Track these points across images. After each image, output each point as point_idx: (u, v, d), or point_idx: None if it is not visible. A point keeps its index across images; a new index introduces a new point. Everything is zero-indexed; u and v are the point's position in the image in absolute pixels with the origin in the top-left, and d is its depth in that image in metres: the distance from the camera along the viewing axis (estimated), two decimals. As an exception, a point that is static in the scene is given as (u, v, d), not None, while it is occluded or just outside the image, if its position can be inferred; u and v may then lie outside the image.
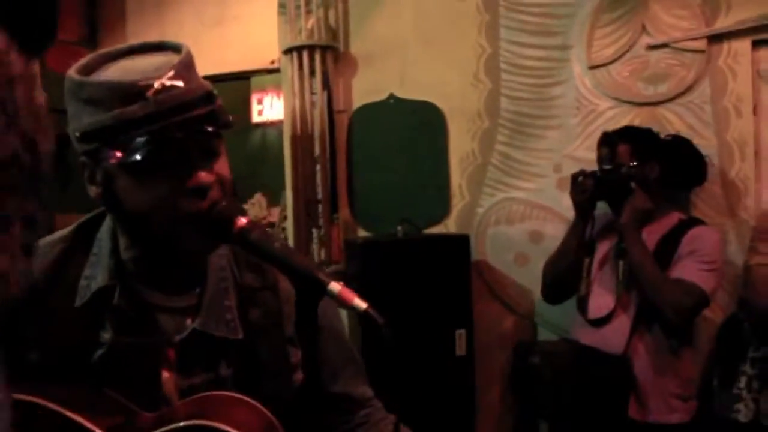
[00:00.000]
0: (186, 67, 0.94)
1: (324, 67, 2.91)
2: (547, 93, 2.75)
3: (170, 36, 1.09)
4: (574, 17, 2.69)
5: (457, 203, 2.90)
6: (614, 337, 2.19)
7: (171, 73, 0.91)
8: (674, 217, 2.28)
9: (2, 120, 0.52)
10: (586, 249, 2.34)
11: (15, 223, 0.56)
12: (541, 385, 2.09)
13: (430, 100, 2.90)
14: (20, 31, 0.51)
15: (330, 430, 1.17)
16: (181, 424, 0.94)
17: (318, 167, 2.92)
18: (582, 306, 2.32)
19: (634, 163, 2.20)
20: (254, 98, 4.61)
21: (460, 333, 2.62)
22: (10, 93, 0.53)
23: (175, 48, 0.98)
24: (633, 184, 2.18)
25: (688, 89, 2.55)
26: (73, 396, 0.97)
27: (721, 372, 2.35)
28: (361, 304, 0.85)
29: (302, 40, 2.92)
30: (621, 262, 2.23)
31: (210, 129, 0.95)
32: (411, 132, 2.93)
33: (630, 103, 2.62)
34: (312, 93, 2.91)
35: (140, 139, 0.89)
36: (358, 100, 2.99)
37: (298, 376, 1.10)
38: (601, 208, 2.35)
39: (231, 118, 0.98)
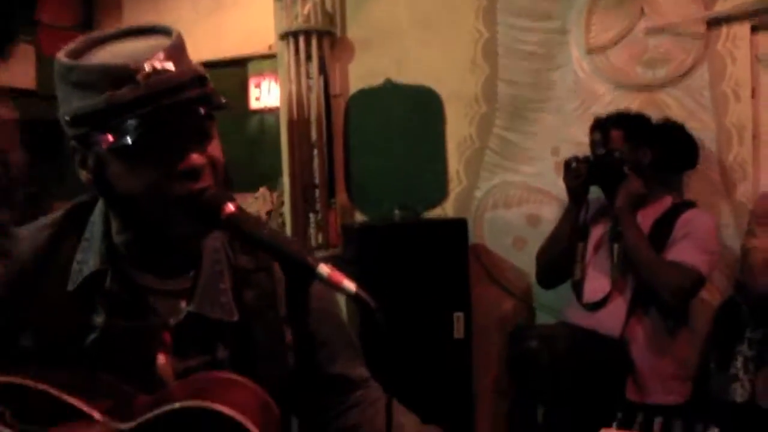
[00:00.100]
0: (177, 50, 0.93)
1: (320, 52, 2.90)
2: (545, 77, 2.73)
3: (167, 21, 1.08)
4: (572, 1, 2.67)
5: (455, 187, 2.90)
6: (610, 320, 2.20)
7: (161, 56, 0.90)
8: (667, 201, 2.29)
9: None
10: (580, 234, 2.35)
11: None
12: (539, 369, 2.10)
13: (427, 84, 2.89)
14: None
15: (326, 410, 1.18)
16: (177, 405, 0.94)
17: (315, 152, 2.92)
18: (577, 290, 2.34)
19: (626, 148, 2.20)
20: (252, 84, 4.59)
21: (458, 316, 2.63)
22: None
23: (166, 31, 0.97)
24: (626, 169, 2.19)
25: (687, 73, 2.54)
26: (69, 380, 0.97)
27: (717, 353, 2.36)
28: (351, 286, 0.85)
29: (299, 24, 2.90)
30: (615, 246, 2.25)
31: (202, 111, 0.94)
32: (408, 117, 2.92)
33: (628, 87, 2.61)
34: (308, 78, 2.91)
35: (131, 123, 0.88)
36: (355, 85, 2.98)
37: (293, 357, 1.10)
38: (594, 192, 2.35)
39: (224, 100, 0.97)
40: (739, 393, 2.21)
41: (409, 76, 2.91)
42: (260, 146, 4.36)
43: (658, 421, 0.84)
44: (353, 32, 2.96)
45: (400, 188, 2.91)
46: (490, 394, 2.82)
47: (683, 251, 2.13)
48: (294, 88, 2.91)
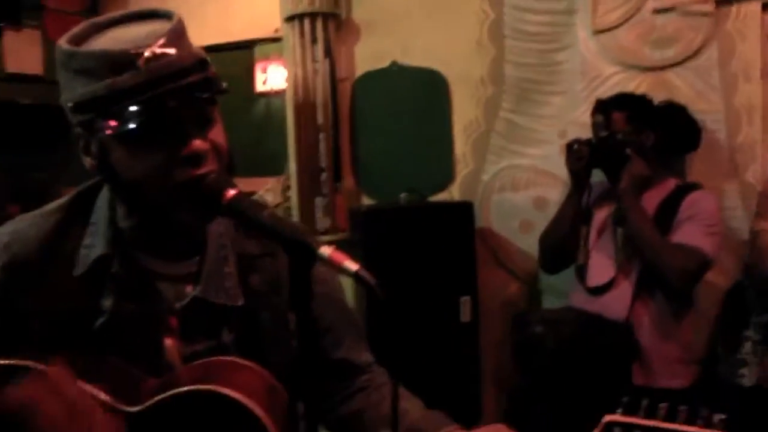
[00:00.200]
0: (177, 35, 0.93)
1: (326, 35, 2.88)
2: (552, 58, 2.71)
3: (173, 5, 1.08)
4: (578, -20, 2.65)
5: (461, 170, 2.89)
6: (616, 304, 2.19)
7: (162, 41, 0.90)
8: (671, 183, 2.28)
9: None
10: (583, 217, 2.33)
11: None
12: (544, 354, 2.09)
13: (433, 67, 2.87)
14: None
15: (331, 395, 1.19)
16: (184, 388, 0.95)
17: (321, 136, 2.91)
18: (581, 275, 2.32)
19: (629, 130, 2.19)
20: (258, 67, 4.58)
21: (465, 300, 2.64)
22: None
23: (167, 16, 0.97)
24: (629, 151, 2.17)
25: (696, 53, 2.51)
26: (77, 362, 0.98)
27: (725, 337, 2.36)
28: (352, 266, 0.85)
29: (304, 7, 2.88)
30: (619, 230, 2.23)
31: (204, 96, 0.94)
32: (414, 99, 2.91)
33: (636, 68, 2.58)
34: (314, 61, 2.89)
35: (133, 109, 0.89)
36: (361, 68, 2.96)
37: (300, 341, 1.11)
38: (597, 176, 2.33)
39: (225, 85, 0.97)
40: (748, 377, 2.20)
41: (415, 58, 2.89)
42: (267, 130, 4.36)
43: (663, 406, 0.84)
44: (358, 14, 2.94)
45: (407, 171, 2.90)
46: (497, 378, 2.83)
47: (688, 233, 2.11)
48: (300, 71, 2.90)
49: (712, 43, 2.49)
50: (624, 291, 2.21)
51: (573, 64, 2.68)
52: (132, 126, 0.89)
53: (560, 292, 2.65)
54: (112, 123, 0.90)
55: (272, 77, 4.49)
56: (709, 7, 2.47)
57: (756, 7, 2.44)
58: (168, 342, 1.04)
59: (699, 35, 2.50)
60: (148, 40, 0.90)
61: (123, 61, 0.89)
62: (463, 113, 2.86)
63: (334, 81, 2.91)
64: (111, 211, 1.04)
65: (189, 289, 1.05)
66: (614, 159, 2.20)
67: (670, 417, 0.88)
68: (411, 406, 1.13)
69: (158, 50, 0.90)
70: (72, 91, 0.93)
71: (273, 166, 3.83)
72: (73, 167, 1.04)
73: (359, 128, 2.99)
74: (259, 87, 4.61)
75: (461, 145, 2.88)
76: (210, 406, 0.93)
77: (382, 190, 2.95)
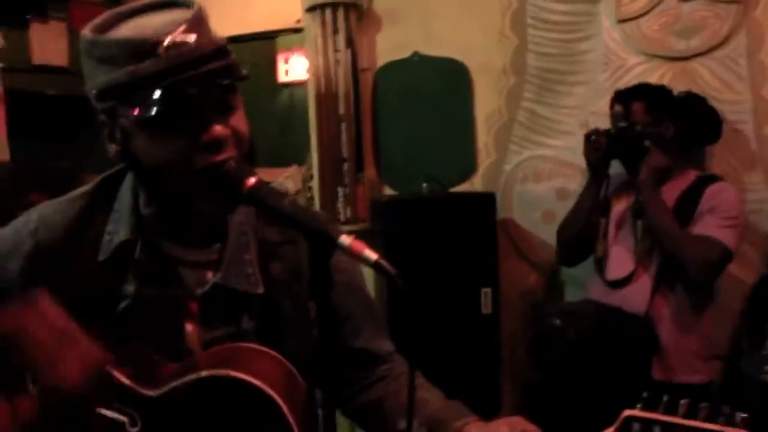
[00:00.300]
0: (198, 23, 0.94)
1: (347, 25, 2.88)
2: (575, 48, 2.68)
3: (196, -5, 1.08)
4: (603, -31, 2.61)
5: (484, 161, 2.88)
6: (635, 298, 2.17)
7: (182, 29, 0.91)
8: (691, 175, 2.25)
9: None
10: (602, 209, 2.30)
11: None
12: (564, 347, 2.08)
13: (455, 57, 2.85)
14: None
15: (351, 384, 1.19)
16: (203, 373, 0.96)
17: (343, 126, 2.91)
18: (600, 267, 2.30)
19: (648, 121, 2.16)
20: (280, 58, 4.60)
21: (486, 291, 2.62)
22: None
23: (188, 4, 0.98)
24: (648, 143, 2.14)
25: (723, 43, 2.47)
26: (99, 345, 0.99)
27: (750, 333, 2.32)
28: (372, 255, 0.85)
29: (326, -3, 2.88)
30: (639, 222, 2.20)
31: (224, 82, 0.95)
32: (436, 89, 2.89)
33: (660, 57, 2.54)
34: (336, 51, 2.89)
35: (154, 95, 0.90)
36: (383, 58, 2.95)
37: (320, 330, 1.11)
38: (615, 168, 2.30)
39: (245, 72, 0.98)
40: (772, 373, 2.18)
41: (437, 48, 2.87)
42: (289, 120, 4.38)
43: (683, 403, 0.83)
44: (380, 4, 2.93)
45: (429, 162, 2.89)
46: (517, 370, 2.81)
47: (710, 225, 2.09)
48: (321, 61, 2.90)
49: (740, 32, 2.45)
50: (643, 284, 2.18)
51: (596, 53, 2.65)
52: (153, 112, 0.90)
53: (582, 283, 2.63)
54: (134, 109, 0.92)
55: (294, 68, 4.51)
56: (737, -6, 2.43)
57: (787, -5, 2.40)
58: (188, 327, 1.05)
59: (726, 24, 2.46)
60: (168, 28, 0.91)
61: (144, 48, 0.90)
62: (485, 103, 2.84)
63: (355, 71, 2.90)
64: (134, 197, 1.06)
65: (210, 275, 1.06)
66: (633, 150, 2.17)
67: (691, 414, 0.87)
68: (431, 396, 1.13)
69: (179, 38, 0.91)
70: (95, 79, 0.95)
71: (296, 157, 3.84)
72: (97, 156, 1.06)
73: (381, 118, 2.98)
74: (282, 78, 4.63)
75: (483, 136, 2.86)
76: (229, 391, 0.94)
77: (403, 180, 2.94)
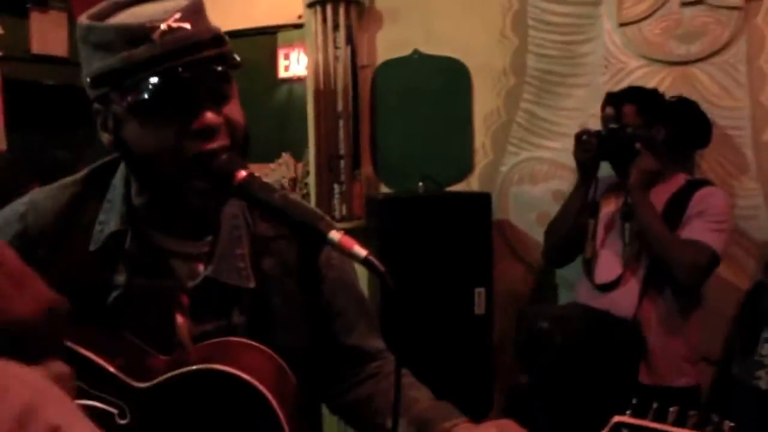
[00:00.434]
0: (194, 11, 0.94)
1: (348, 21, 2.87)
2: (575, 50, 2.68)
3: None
4: (605, -29, 2.61)
5: (480, 161, 2.88)
6: (623, 301, 2.17)
7: (177, 16, 0.91)
8: (681, 179, 2.25)
9: None
10: (590, 210, 2.30)
11: None
12: (551, 351, 2.08)
13: (455, 56, 2.85)
14: None
15: (341, 381, 1.19)
16: (194, 367, 0.96)
17: (341, 123, 2.91)
18: (588, 270, 2.30)
19: (639, 124, 2.16)
20: (281, 54, 4.59)
21: (480, 291, 2.62)
22: None
23: None
24: (638, 145, 2.14)
25: (723, 48, 2.46)
26: (88, 335, 0.99)
27: (742, 338, 2.33)
28: (361, 251, 0.85)
29: (327, -7, 2.88)
30: (627, 225, 2.20)
31: (218, 69, 0.94)
32: (435, 88, 2.89)
33: (661, 62, 2.54)
34: (336, 47, 2.89)
35: (147, 81, 0.90)
36: (383, 56, 2.95)
37: (310, 325, 1.11)
38: (605, 170, 2.30)
39: (238, 59, 0.97)
40: (764, 380, 2.18)
41: (437, 47, 2.87)
42: (288, 116, 4.37)
43: (673, 410, 0.82)
44: (381, 2, 2.92)
45: (425, 161, 2.88)
46: (510, 370, 2.81)
47: (698, 229, 2.09)
48: (321, 57, 2.90)
49: (741, 38, 2.45)
50: (631, 288, 2.18)
51: (596, 56, 2.65)
52: (145, 97, 0.90)
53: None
54: (127, 95, 0.92)
55: (295, 63, 4.50)
56: (738, 1, 2.43)
57: (787, 1, 2.40)
58: (179, 320, 1.04)
59: (727, 30, 2.46)
60: (164, 15, 0.91)
61: (139, 34, 0.90)
62: (484, 104, 2.84)
63: (355, 68, 2.90)
64: (126, 188, 1.05)
65: (201, 268, 1.05)
66: (623, 152, 2.17)
67: (680, 421, 0.87)
68: (420, 395, 1.12)
69: (174, 24, 0.90)
70: (90, 66, 0.95)
71: (294, 152, 3.84)
72: (95, 147, 1.05)
73: (379, 116, 2.98)
74: (282, 73, 4.62)
75: (481, 136, 2.86)
76: (219, 385, 0.94)
77: (400, 178, 2.94)
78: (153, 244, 1.04)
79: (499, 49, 2.79)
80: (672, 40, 2.53)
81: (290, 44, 4.49)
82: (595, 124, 2.52)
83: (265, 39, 4.42)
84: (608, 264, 2.25)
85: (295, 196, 1.00)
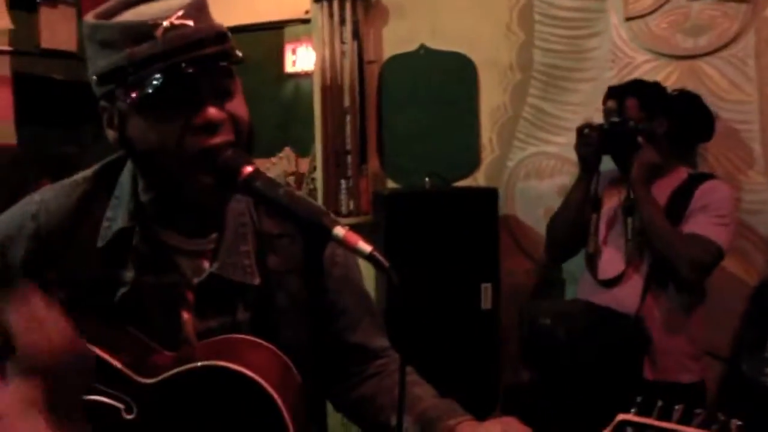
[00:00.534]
0: (197, 9, 0.95)
1: (354, 17, 2.87)
2: (582, 45, 2.67)
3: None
4: (611, -35, 2.60)
5: (487, 156, 2.88)
6: (626, 297, 2.16)
7: (180, 13, 0.92)
8: (683, 173, 2.23)
9: None
10: (593, 205, 2.28)
11: None
12: (554, 346, 2.07)
13: (461, 51, 2.85)
14: None
15: (345, 379, 1.19)
16: (199, 363, 0.97)
17: (347, 118, 2.91)
18: (591, 265, 2.28)
19: (641, 117, 2.15)
20: (288, 48, 4.59)
21: (486, 287, 2.62)
22: None
23: None
24: (640, 139, 2.12)
25: (731, 42, 2.45)
26: (95, 330, 1.00)
27: (752, 335, 2.32)
28: (366, 247, 0.86)
29: (333, -13, 2.88)
30: (629, 220, 2.18)
31: (220, 65, 0.95)
32: (441, 84, 2.89)
33: (668, 56, 2.53)
34: (342, 43, 2.89)
35: (150, 78, 0.91)
36: (389, 51, 2.95)
37: (314, 322, 1.12)
38: (606, 164, 2.29)
39: (240, 54, 0.98)
40: (773, 376, 2.17)
41: (444, 42, 2.87)
42: (295, 111, 4.37)
43: (678, 408, 0.82)
44: (388, -3, 2.93)
45: (432, 156, 2.89)
46: (516, 366, 2.82)
47: (701, 224, 2.07)
48: (328, 52, 2.90)
49: (749, 32, 2.43)
50: (634, 285, 2.17)
51: (603, 51, 2.64)
52: (149, 92, 0.91)
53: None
54: (131, 92, 0.92)
55: (302, 58, 4.50)
56: (747, -7, 2.41)
57: (798, -5, 2.38)
58: (185, 316, 1.05)
59: (735, 23, 2.44)
60: (167, 13, 0.92)
61: (142, 32, 0.91)
62: (491, 99, 2.84)
63: (361, 63, 2.90)
64: (133, 184, 1.06)
65: (207, 264, 1.06)
66: (625, 146, 2.15)
67: (686, 419, 0.87)
68: (424, 393, 1.12)
69: (176, 21, 0.91)
70: (96, 64, 0.96)
71: (300, 147, 3.84)
72: (103, 142, 1.06)
73: (386, 111, 2.98)
74: (289, 68, 4.62)
75: (487, 131, 2.86)
76: (224, 382, 0.95)
77: (406, 174, 2.94)
78: (159, 241, 1.05)
79: (506, 44, 2.78)
80: (679, 34, 2.52)
81: (297, 39, 4.49)
82: (602, 119, 2.51)
83: (271, 34, 4.41)
84: (611, 260, 2.23)
85: (300, 193, 1.00)
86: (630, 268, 2.19)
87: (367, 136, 2.95)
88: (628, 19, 2.58)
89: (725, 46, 2.46)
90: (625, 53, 2.60)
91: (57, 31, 3.91)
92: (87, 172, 1.11)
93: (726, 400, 2.32)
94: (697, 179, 2.19)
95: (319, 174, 3.04)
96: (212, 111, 0.94)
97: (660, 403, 0.89)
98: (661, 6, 2.53)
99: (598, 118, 2.54)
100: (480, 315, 2.62)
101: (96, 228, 1.05)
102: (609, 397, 0.96)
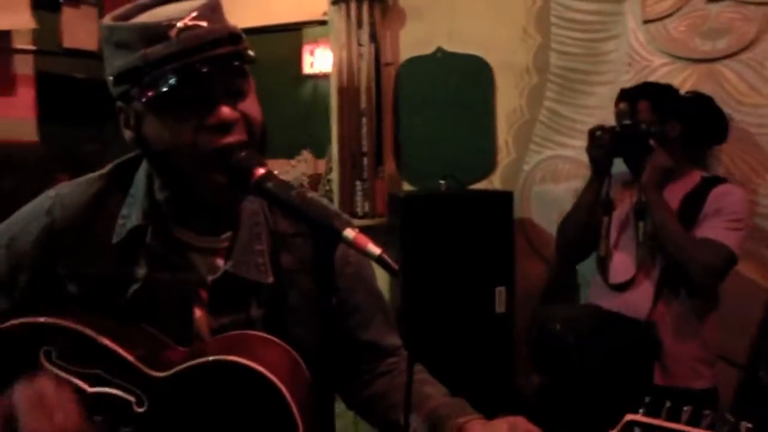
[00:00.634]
0: (210, 10, 0.96)
1: (372, 19, 2.89)
2: (599, 48, 2.66)
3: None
4: (629, -32, 2.59)
5: (503, 159, 2.87)
6: (637, 301, 2.13)
7: (194, 15, 0.94)
8: (696, 176, 2.20)
9: None
10: (604, 207, 2.26)
11: None
12: (564, 352, 2.06)
13: (478, 54, 2.85)
14: None
15: (357, 376, 1.20)
16: (210, 358, 0.98)
17: (364, 120, 2.92)
18: (602, 269, 2.26)
19: (653, 120, 2.13)
20: (306, 50, 4.61)
21: (500, 290, 2.61)
22: None
23: None
24: (652, 142, 2.10)
25: (750, 45, 2.42)
26: (109, 326, 1.02)
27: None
28: (375, 249, 0.87)
29: (351, -10, 2.89)
30: (641, 224, 2.16)
31: (234, 64, 0.97)
32: (458, 86, 2.90)
33: (685, 59, 2.51)
34: (359, 45, 2.90)
35: (164, 77, 0.92)
36: (406, 53, 2.96)
37: (325, 321, 1.13)
38: (618, 166, 2.27)
39: (252, 53, 0.99)
40: (790, 383, 2.15)
41: (460, 45, 2.87)
42: (312, 112, 4.39)
43: (687, 409, 0.82)
44: (405, -1, 2.94)
45: (448, 158, 2.89)
46: (530, 369, 2.81)
47: (715, 228, 2.05)
48: (345, 54, 2.91)
49: (768, 35, 2.41)
50: (645, 289, 2.14)
51: (620, 54, 2.63)
52: (163, 91, 0.92)
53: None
54: (146, 92, 0.94)
55: (320, 60, 4.52)
56: (765, -4, 2.39)
57: (818, -2, 2.35)
58: (197, 313, 1.06)
59: (754, 26, 2.42)
60: (181, 14, 0.94)
61: (157, 33, 0.93)
62: (507, 102, 2.84)
63: (378, 65, 2.91)
64: (149, 183, 1.08)
65: (221, 262, 1.07)
66: (637, 149, 2.14)
67: (694, 421, 0.86)
68: (434, 391, 1.13)
69: (190, 22, 0.93)
70: (112, 65, 0.98)
71: (317, 149, 3.86)
72: (122, 140, 1.08)
73: (402, 114, 2.99)
74: (307, 69, 4.64)
75: (503, 134, 2.86)
76: (234, 376, 0.96)
77: (422, 176, 2.94)
78: (173, 239, 1.06)
79: (522, 47, 2.78)
80: (697, 37, 2.50)
81: (315, 41, 4.51)
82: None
83: (290, 35, 4.44)
84: (622, 264, 2.21)
85: (313, 194, 1.01)
86: (641, 273, 2.17)
87: (383, 138, 2.96)
88: (646, 21, 2.56)
89: (744, 49, 2.43)
90: (642, 56, 2.58)
91: (79, 30, 3.96)
92: (103, 170, 1.13)
93: (742, 407, 2.29)
94: (711, 183, 2.17)
95: (335, 175, 3.05)
96: (225, 110, 0.96)
97: (668, 404, 0.88)
98: (679, 9, 2.51)
99: (614, 122, 2.54)
100: (494, 318, 2.62)
101: (111, 225, 1.07)
102: (619, 402, 0.96)
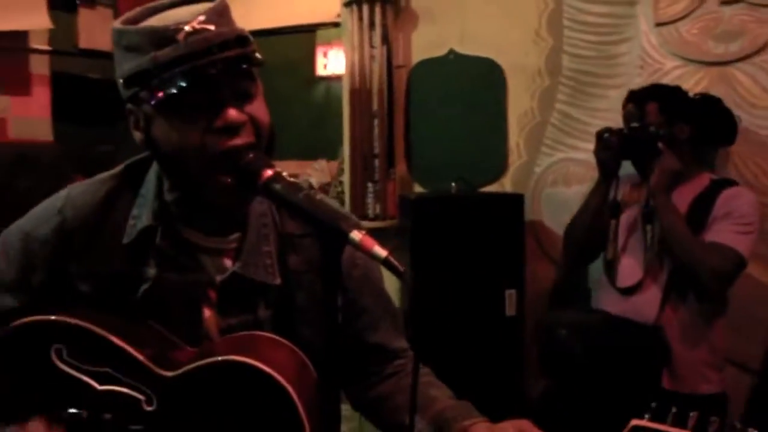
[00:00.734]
0: (218, 13, 0.98)
1: (384, 21, 2.89)
2: (611, 51, 2.65)
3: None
4: (642, -30, 2.58)
5: (514, 162, 2.87)
6: (645, 306, 2.12)
7: (202, 18, 0.95)
8: (705, 178, 2.18)
9: None
10: (612, 210, 2.24)
11: None
12: (572, 358, 2.05)
13: (490, 56, 2.85)
14: None
15: (364, 378, 1.21)
16: (219, 358, 0.99)
17: (376, 122, 2.93)
18: (610, 272, 2.24)
19: (661, 122, 2.11)
20: (319, 51, 4.63)
21: (511, 293, 2.61)
22: None
23: None
24: (661, 144, 2.08)
25: (763, 48, 2.41)
26: (119, 325, 1.03)
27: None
28: (381, 252, 0.88)
29: (363, -8, 2.90)
30: (648, 227, 2.14)
31: (242, 67, 0.98)
32: (470, 89, 2.90)
33: (698, 62, 2.50)
34: (372, 47, 2.91)
35: (172, 80, 0.93)
36: (418, 55, 2.97)
37: (332, 322, 1.13)
38: (626, 168, 2.25)
39: (260, 56, 1.00)
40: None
41: (472, 47, 2.87)
42: (325, 114, 4.40)
43: (693, 415, 0.82)
44: (417, 1, 2.94)
45: (459, 161, 2.89)
46: (540, 373, 2.80)
47: (724, 232, 2.03)
48: (357, 56, 2.92)
49: (782, 38, 2.39)
50: (653, 294, 2.13)
51: (632, 57, 2.62)
52: (171, 93, 0.94)
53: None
54: (155, 94, 0.95)
55: (333, 62, 4.53)
56: (779, -2, 2.37)
57: (832, 0, 2.34)
58: (206, 313, 1.08)
59: (767, 29, 2.40)
60: (189, 18, 0.96)
61: (165, 36, 0.94)
62: (519, 104, 2.83)
63: (390, 68, 2.92)
64: (159, 184, 1.09)
65: (229, 263, 1.09)
66: (645, 151, 2.12)
67: (701, 427, 0.86)
68: (439, 394, 1.14)
69: (198, 26, 0.94)
70: (122, 67, 0.99)
71: (328, 150, 3.87)
72: (134, 141, 1.09)
73: (414, 116, 2.99)
74: (320, 71, 4.65)
75: (515, 137, 2.86)
76: (242, 377, 0.97)
77: (433, 178, 2.95)
78: (182, 239, 1.07)
79: (534, 49, 2.78)
80: (710, 39, 2.48)
81: (328, 43, 4.52)
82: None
83: (303, 37, 4.45)
84: (629, 267, 2.20)
85: (322, 196, 1.02)
86: (649, 277, 2.15)
87: (394, 140, 2.96)
88: (658, 24, 2.55)
89: (757, 52, 2.42)
90: (654, 59, 2.57)
91: (94, 31, 4.00)
92: (114, 171, 1.15)
93: (754, 413, 2.27)
94: (720, 185, 2.15)
95: (346, 177, 3.06)
96: (232, 113, 0.97)
97: (674, 410, 0.88)
98: (692, 11, 2.50)
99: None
100: (504, 321, 2.61)
101: (121, 225, 1.08)
102: (626, 407, 0.96)
